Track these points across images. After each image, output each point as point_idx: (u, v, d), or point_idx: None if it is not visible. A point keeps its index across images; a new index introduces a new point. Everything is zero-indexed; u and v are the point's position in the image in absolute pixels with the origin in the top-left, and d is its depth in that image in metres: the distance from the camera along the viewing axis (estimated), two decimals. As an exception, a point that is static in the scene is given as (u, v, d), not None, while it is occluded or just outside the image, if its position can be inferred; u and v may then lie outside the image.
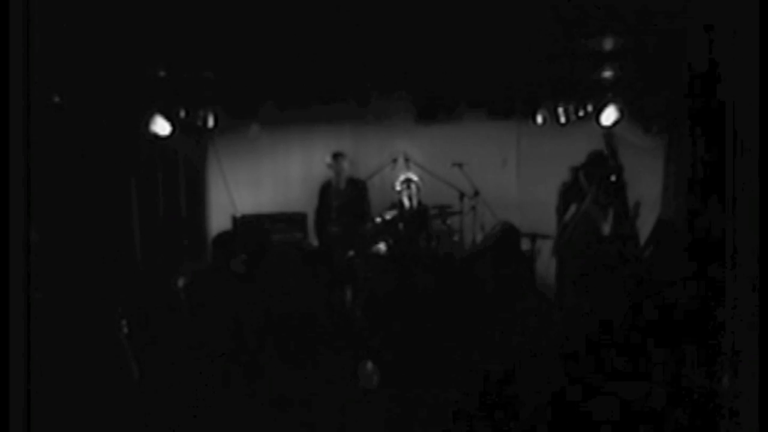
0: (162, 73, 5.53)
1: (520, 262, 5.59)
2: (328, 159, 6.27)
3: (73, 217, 5.08)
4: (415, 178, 6.32)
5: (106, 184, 5.56)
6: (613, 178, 5.22)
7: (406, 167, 6.48)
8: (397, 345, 4.12)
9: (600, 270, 4.74)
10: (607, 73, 5.93)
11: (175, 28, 4.52)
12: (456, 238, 6.42)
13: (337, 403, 3.38)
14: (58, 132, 4.86)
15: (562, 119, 6.31)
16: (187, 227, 6.66)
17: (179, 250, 6.26)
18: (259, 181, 7.16)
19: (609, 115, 5.93)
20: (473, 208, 6.30)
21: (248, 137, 6.89)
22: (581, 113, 6.20)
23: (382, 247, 6.05)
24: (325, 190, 6.35)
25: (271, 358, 3.51)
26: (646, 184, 5.75)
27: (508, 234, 5.42)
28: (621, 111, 5.90)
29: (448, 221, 6.35)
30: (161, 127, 5.88)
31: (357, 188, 6.33)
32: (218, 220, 6.75)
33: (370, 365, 3.52)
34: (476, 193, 6.26)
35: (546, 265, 5.86)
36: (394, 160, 6.55)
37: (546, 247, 5.79)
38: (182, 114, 6.13)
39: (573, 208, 5.40)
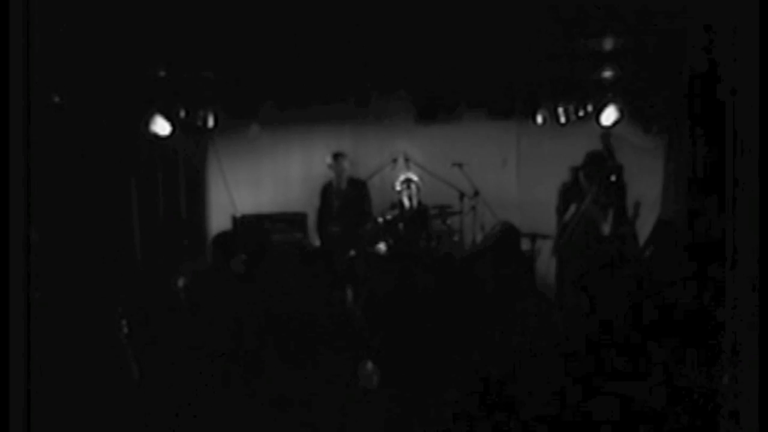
0: (162, 73, 5.53)
1: (520, 262, 5.58)
2: (329, 159, 6.28)
3: (73, 217, 5.08)
4: (415, 178, 6.32)
5: (106, 184, 5.56)
6: (613, 178, 5.22)
7: (406, 167, 6.49)
8: (397, 345, 4.11)
9: (600, 270, 4.74)
10: (607, 73, 5.93)
11: (175, 28, 4.52)
12: (456, 238, 6.42)
13: (337, 403, 3.37)
14: (58, 132, 4.86)
15: (562, 119, 6.31)
16: (187, 227, 6.66)
17: (179, 250, 6.26)
18: (259, 181, 7.16)
19: (609, 115, 5.93)
20: (473, 208, 6.30)
21: (248, 137, 6.89)
22: (581, 113, 6.20)
23: (382, 247, 6.05)
24: (327, 191, 6.36)
25: (271, 358, 3.51)
26: (646, 184, 5.76)
27: (508, 234, 5.41)
28: (621, 111, 5.90)
29: (448, 221, 6.35)
30: (161, 127, 5.88)
31: (358, 188, 6.33)
32: (218, 220, 6.75)
33: (370, 365, 3.52)
34: (476, 193, 6.27)
35: (546, 265, 5.86)
36: (394, 160, 6.56)
37: (546, 247, 5.79)
38: (182, 114, 6.13)
39: (573, 208, 5.40)
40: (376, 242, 6.05)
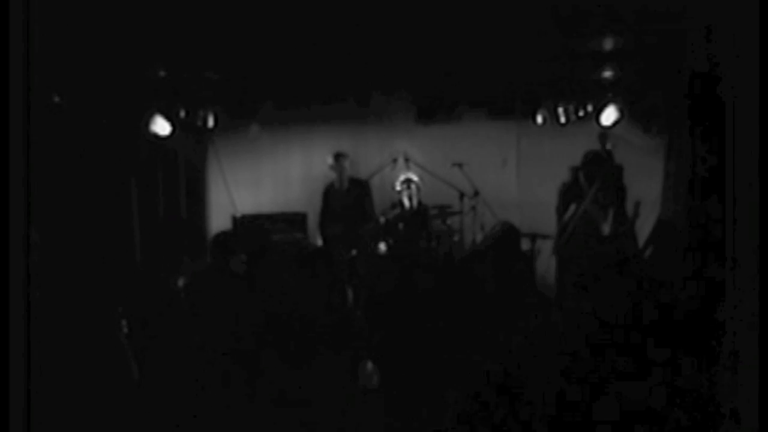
0: (162, 73, 5.53)
1: (520, 262, 5.59)
2: (330, 160, 6.28)
3: (73, 217, 5.08)
4: (415, 178, 6.33)
5: (106, 184, 5.55)
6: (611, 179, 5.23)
7: (406, 167, 6.49)
8: (397, 345, 4.12)
9: (600, 270, 4.74)
10: (607, 73, 5.93)
11: (175, 28, 4.52)
12: (456, 238, 6.42)
13: (337, 403, 3.37)
14: (58, 132, 4.85)
15: (562, 119, 6.31)
16: (187, 227, 6.66)
17: (179, 250, 6.26)
18: (259, 181, 7.16)
19: (609, 115, 5.93)
20: (473, 208, 6.30)
21: (248, 137, 6.90)
22: (581, 113, 6.21)
23: (382, 247, 6.05)
24: (329, 191, 6.36)
25: (271, 358, 3.51)
26: (646, 184, 5.76)
27: (508, 234, 5.41)
28: (621, 111, 5.91)
29: (448, 221, 6.35)
30: (161, 127, 5.88)
31: (359, 188, 6.34)
32: (218, 220, 6.76)
33: (370, 365, 3.52)
34: (476, 193, 6.27)
35: (546, 265, 5.86)
36: (394, 160, 6.56)
37: (546, 247, 5.79)
38: (182, 114, 6.14)
39: (573, 208, 5.40)
40: (377, 242, 6.05)
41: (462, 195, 6.27)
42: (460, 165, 6.31)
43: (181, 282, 4.58)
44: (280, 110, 6.50)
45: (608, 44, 5.29)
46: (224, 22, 4.43)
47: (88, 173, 5.33)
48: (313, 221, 6.51)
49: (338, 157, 6.26)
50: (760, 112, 2.55)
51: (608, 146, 5.45)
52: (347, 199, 6.27)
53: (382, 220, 6.08)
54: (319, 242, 6.38)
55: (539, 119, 6.46)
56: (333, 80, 6.02)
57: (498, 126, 6.88)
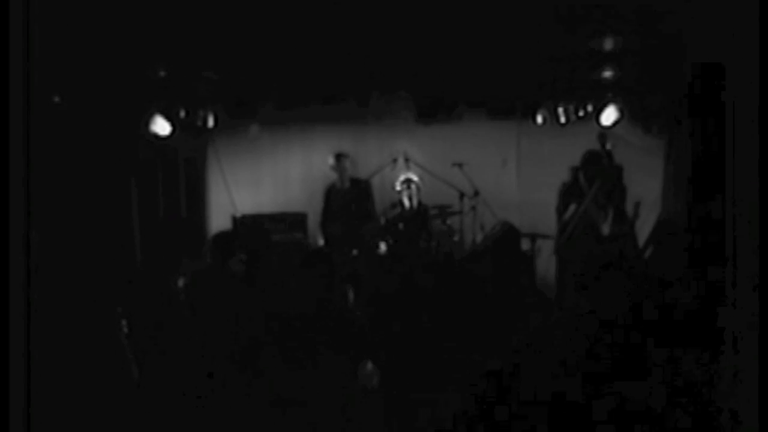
0: (162, 73, 5.52)
1: (520, 262, 5.59)
2: (331, 160, 6.28)
3: (73, 217, 5.08)
4: (415, 178, 6.33)
5: (106, 184, 5.55)
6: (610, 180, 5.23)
7: (406, 167, 6.49)
8: (398, 345, 4.12)
9: (600, 270, 4.74)
10: (607, 73, 5.93)
11: (175, 28, 4.52)
12: (456, 238, 6.42)
13: (337, 403, 3.37)
14: (58, 132, 4.85)
15: (562, 119, 6.31)
16: (187, 227, 6.66)
17: (179, 250, 6.26)
18: (259, 181, 7.16)
19: (609, 115, 5.93)
20: (473, 208, 6.30)
21: (248, 137, 6.90)
22: (581, 113, 6.21)
23: (382, 246, 6.05)
24: (330, 192, 6.36)
25: (271, 358, 3.51)
26: (646, 184, 5.76)
27: (508, 234, 5.42)
28: (621, 111, 5.91)
29: (448, 221, 6.36)
30: (161, 127, 5.87)
31: (361, 188, 6.34)
32: (218, 220, 6.76)
33: (370, 365, 3.51)
34: (476, 193, 6.27)
35: (546, 265, 5.86)
36: (394, 160, 6.56)
37: (546, 247, 5.79)
38: (182, 114, 6.13)
39: (572, 208, 5.40)
40: (377, 242, 6.06)
41: (462, 195, 6.27)
42: (460, 165, 6.31)
43: (181, 282, 4.57)
44: (280, 110, 6.50)
45: (608, 44, 5.28)
46: (224, 22, 4.43)
47: (88, 173, 5.33)
48: (313, 221, 6.51)
49: (339, 157, 6.26)
50: (760, 112, 2.55)
51: (608, 146, 5.45)
52: (349, 199, 6.28)
53: (382, 220, 6.09)
54: (321, 242, 6.38)
55: (539, 119, 6.46)
56: (333, 80, 6.02)
57: (498, 126, 6.87)
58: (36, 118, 2.62)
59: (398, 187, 6.31)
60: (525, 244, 5.76)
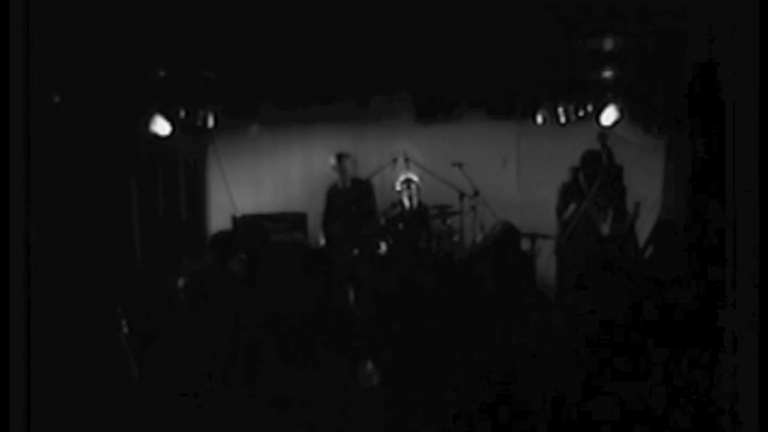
0: (162, 73, 5.53)
1: (520, 262, 5.59)
2: (333, 160, 6.28)
3: (73, 217, 5.08)
4: (415, 178, 6.33)
5: (106, 184, 5.55)
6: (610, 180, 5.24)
7: (406, 167, 6.49)
8: (397, 345, 4.12)
9: (600, 270, 4.74)
10: (607, 73, 5.93)
11: (175, 28, 4.52)
12: (456, 238, 6.42)
13: (337, 403, 3.37)
14: (58, 132, 4.85)
15: (562, 119, 6.31)
16: (187, 227, 6.66)
17: (179, 250, 6.26)
18: (259, 181, 7.16)
19: (609, 115, 5.93)
20: (473, 208, 6.30)
21: (248, 137, 6.90)
22: (581, 113, 6.20)
23: (382, 246, 6.05)
24: (332, 192, 6.36)
25: (271, 358, 3.51)
26: (646, 184, 5.76)
27: (508, 234, 5.41)
28: (621, 111, 5.90)
29: (448, 221, 6.35)
30: (161, 127, 5.87)
31: (362, 188, 6.34)
32: (218, 220, 6.76)
33: (370, 365, 3.51)
34: (476, 193, 6.27)
35: (546, 265, 5.86)
36: (394, 160, 6.56)
37: (546, 247, 5.79)
38: (182, 114, 6.13)
39: (572, 208, 5.40)
40: (378, 242, 6.06)
41: (462, 195, 6.26)
42: (460, 165, 6.31)
43: (181, 282, 4.56)
44: (280, 110, 6.50)
45: (608, 44, 5.29)
46: (224, 22, 4.43)
47: (88, 173, 5.33)
48: (313, 221, 6.51)
49: (341, 157, 6.26)
50: (760, 112, 2.55)
51: (608, 146, 5.45)
52: (350, 200, 6.28)
53: (382, 220, 6.09)
54: (322, 242, 6.38)
55: (539, 119, 6.46)
56: (333, 80, 6.02)
57: (498, 126, 6.88)
58: (36, 118, 2.62)
59: (398, 187, 6.31)
60: (525, 244, 5.75)
